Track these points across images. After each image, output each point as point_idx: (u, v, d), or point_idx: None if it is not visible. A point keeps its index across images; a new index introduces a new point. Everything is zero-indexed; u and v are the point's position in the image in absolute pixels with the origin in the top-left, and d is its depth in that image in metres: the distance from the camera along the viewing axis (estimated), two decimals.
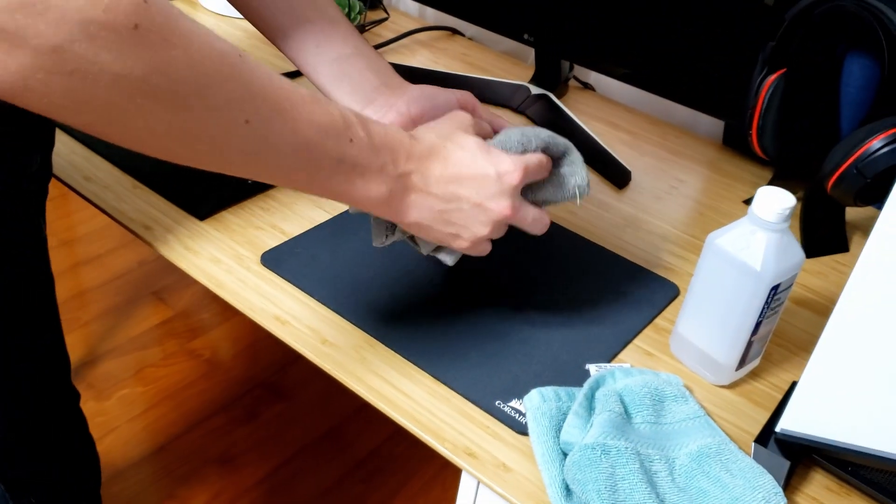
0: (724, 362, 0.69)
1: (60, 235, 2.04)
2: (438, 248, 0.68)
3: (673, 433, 0.65)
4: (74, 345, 1.72)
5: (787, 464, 0.62)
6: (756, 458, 0.63)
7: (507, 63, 1.26)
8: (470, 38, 1.33)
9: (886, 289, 0.54)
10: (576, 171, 0.68)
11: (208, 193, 0.85)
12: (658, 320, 0.78)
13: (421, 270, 0.79)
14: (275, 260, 0.79)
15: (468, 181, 0.61)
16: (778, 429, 0.62)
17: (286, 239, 0.82)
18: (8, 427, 0.75)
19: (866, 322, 0.55)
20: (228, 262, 0.78)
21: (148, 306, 1.87)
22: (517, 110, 1.11)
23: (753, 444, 0.65)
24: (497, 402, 0.67)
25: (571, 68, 1.17)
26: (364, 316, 0.73)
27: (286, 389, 1.69)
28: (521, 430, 0.65)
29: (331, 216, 0.86)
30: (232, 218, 0.84)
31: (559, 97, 1.14)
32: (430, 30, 1.32)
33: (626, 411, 0.64)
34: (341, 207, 0.87)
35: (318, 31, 0.73)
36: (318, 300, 0.75)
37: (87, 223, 2.09)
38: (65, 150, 0.91)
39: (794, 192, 0.95)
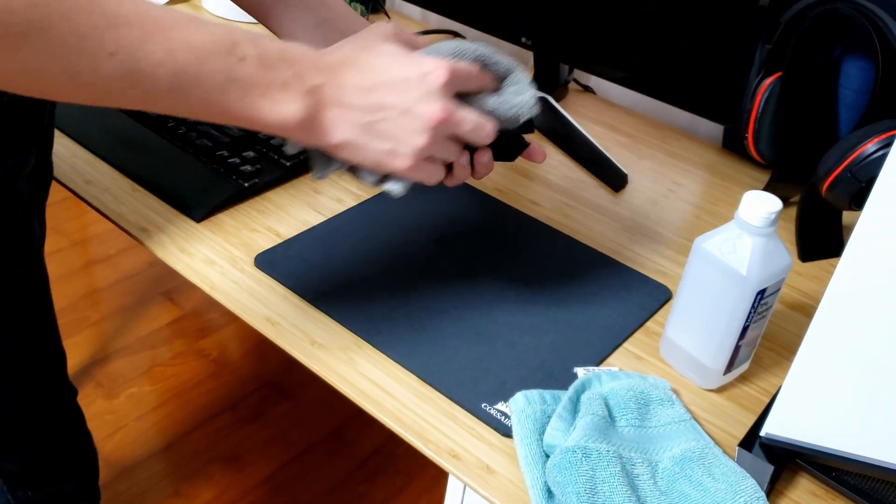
0: (711, 366, 0.69)
1: (73, 236, 2.06)
2: (384, 179, 0.63)
3: (657, 437, 0.65)
4: (85, 343, 1.74)
5: (770, 468, 0.62)
6: (740, 462, 0.63)
7: None
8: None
9: (867, 293, 0.54)
10: (521, 90, 0.63)
11: (205, 196, 0.86)
12: (649, 324, 0.78)
13: (412, 272, 0.80)
14: (268, 262, 0.79)
15: (389, 87, 0.57)
16: (762, 433, 0.62)
17: (280, 241, 0.82)
18: (5, 424, 0.76)
19: (848, 327, 0.55)
20: (222, 263, 0.79)
21: (157, 306, 1.89)
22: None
23: (738, 448, 0.65)
24: (483, 405, 0.67)
25: (571, 71, 1.17)
26: (353, 317, 0.74)
27: (291, 389, 1.71)
28: (507, 432, 0.65)
29: (325, 218, 0.86)
30: (227, 220, 0.85)
31: (559, 100, 1.14)
32: (432, 33, 1.33)
33: (610, 414, 0.65)
34: (336, 209, 0.88)
35: (298, 2, 0.74)
36: (308, 301, 0.75)
37: (99, 223, 2.11)
38: (66, 154, 0.92)
39: (791, 196, 0.96)
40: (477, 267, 0.81)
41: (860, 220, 0.52)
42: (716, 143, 1.11)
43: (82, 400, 0.87)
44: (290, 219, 0.86)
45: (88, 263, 1.99)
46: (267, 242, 0.82)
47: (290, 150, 0.63)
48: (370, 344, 0.71)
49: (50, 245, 2.01)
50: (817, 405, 0.59)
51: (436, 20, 1.38)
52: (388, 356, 0.71)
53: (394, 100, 0.56)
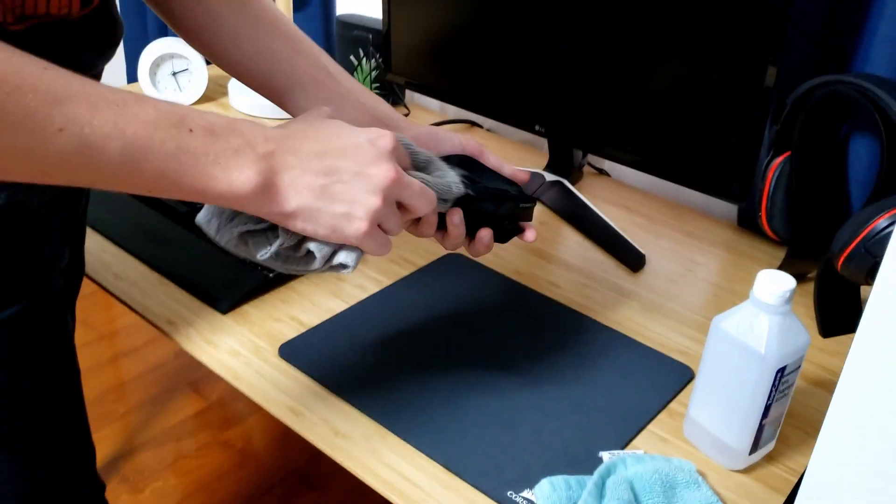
0: (736, 447, 0.69)
1: (101, 329, 2.09)
2: (333, 255, 0.62)
3: None
4: (110, 437, 1.75)
5: None
6: None
7: (524, 151, 1.29)
8: (488, 130, 1.38)
9: (886, 367, 0.54)
10: (446, 173, 0.67)
11: (231, 288, 0.88)
12: (673, 404, 0.78)
13: (433, 357, 0.80)
14: (292, 351, 0.81)
15: (341, 151, 0.59)
16: None
17: (304, 330, 0.84)
18: None
19: (870, 402, 0.55)
20: (247, 354, 0.81)
21: (183, 397, 1.90)
22: (533, 196, 1.14)
23: None
24: (509, 493, 0.67)
25: (585, 155, 1.20)
26: (376, 405, 0.74)
27: (318, 479, 1.69)
28: None
29: (348, 305, 0.88)
30: (252, 311, 0.87)
31: (574, 183, 1.17)
32: (450, 123, 1.37)
33: (636, 499, 0.64)
34: (359, 296, 0.90)
35: (312, 83, 0.78)
36: (331, 391, 0.76)
37: (127, 316, 2.14)
38: (96, 249, 0.95)
39: (808, 272, 0.96)
40: (498, 350, 0.82)
41: (871, 296, 0.53)
42: (731, 222, 1.12)
43: (108, 495, 0.88)
44: (314, 307, 0.88)
45: (116, 356, 2.02)
46: (291, 332, 0.84)
47: (223, 243, 0.64)
48: (393, 433, 0.72)
49: (78, 338, 2.03)
50: (845, 484, 0.59)
51: (453, 111, 1.42)
52: (412, 444, 0.71)
53: (347, 163, 0.58)
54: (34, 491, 0.75)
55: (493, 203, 0.70)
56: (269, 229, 0.62)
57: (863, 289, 0.90)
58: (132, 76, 1.98)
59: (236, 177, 0.55)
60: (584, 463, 0.69)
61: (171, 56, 1.36)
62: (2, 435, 0.70)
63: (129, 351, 2.03)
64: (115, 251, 0.96)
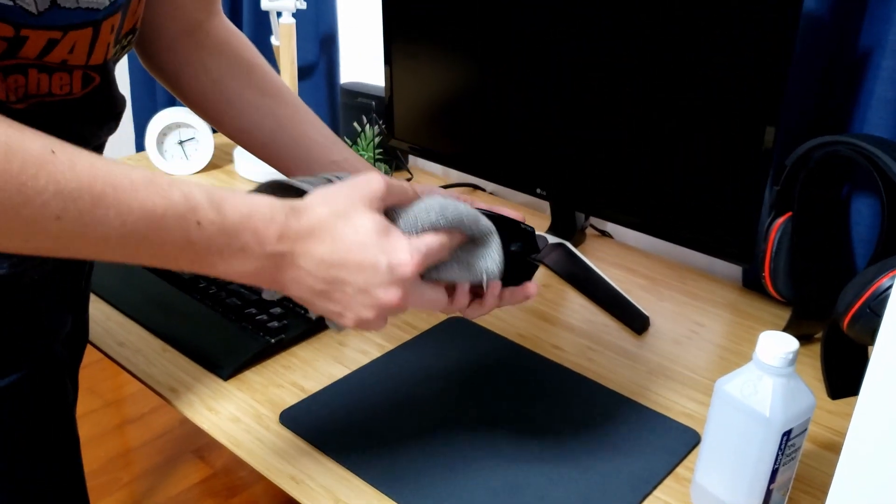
0: None
1: (107, 396, 2.08)
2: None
3: None
4: None
5: None
6: None
7: (526, 214, 1.29)
8: (491, 193, 1.39)
9: (890, 430, 0.53)
10: (488, 253, 0.64)
11: (233, 354, 0.88)
12: (679, 469, 0.76)
13: (436, 422, 0.80)
14: (293, 418, 0.80)
15: (355, 268, 0.56)
16: None
17: (305, 396, 0.83)
18: None
19: (876, 466, 0.54)
20: (248, 421, 0.80)
21: (188, 465, 1.88)
22: (535, 261, 1.14)
23: None
24: None
25: (587, 217, 1.20)
26: (378, 473, 0.73)
27: None
28: None
29: (350, 371, 0.87)
30: (254, 377, 0.86)
31: (577, 245, 1.17)
32: (453, 186, 1.38)
33: None
34: (361, 361, 0.89)
35: (315, 147, 0.80)
36: (333, 458, 0.75)
37: (133, 383, 2.12)
38: (101, 316, 0.96)
39: (815, 332, 0.95)
40: (502, 415, 0.81)
41: (873, 356, 0.52)
42: (735, 282, 1.12)
43: None
44: (316, 373, 0.87)
45: (122, 423, 2.00)
46: (292, 398, 0.83)
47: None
48: (395, 501, 0.71)
49: (84, 406, 2.04)
50: None
51: (456, 175, 1.44)
52: None
53: (356, 279, 0.57)
54: None
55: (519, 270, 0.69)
56: None
57: (870, 349, 0.89)
58: (140, 145, 2.01)
59: (236, 268, 0.55)
60: None
61: (178, 125, 1.39)
62: None
63: (134, 418, 2.02)
64: (119, 318, 0.96)
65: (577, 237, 1.19)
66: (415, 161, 1.49)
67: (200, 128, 1.39)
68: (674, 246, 1.16)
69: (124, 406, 2.06)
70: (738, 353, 0.95)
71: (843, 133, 0.93)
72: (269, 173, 1.36)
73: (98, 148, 0.71)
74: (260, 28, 1.59)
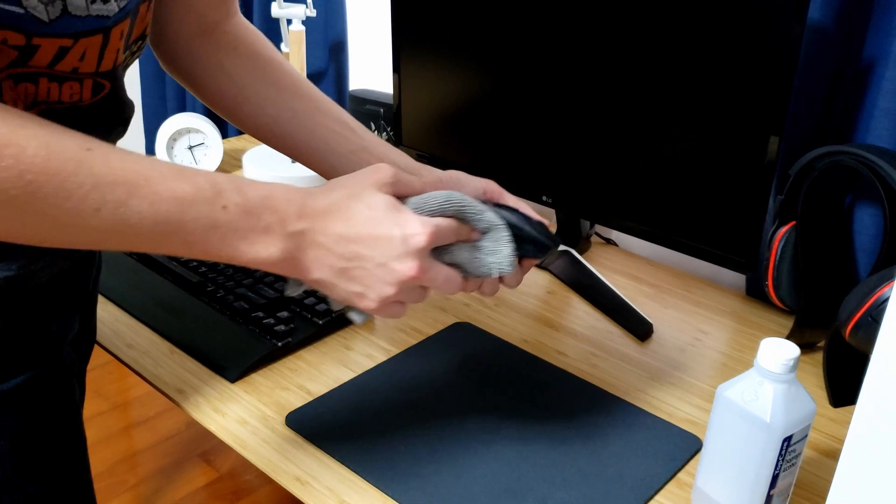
0: None
1: (114, 399, 2.09)
2: (348, 307, 0.66)
3: None
4: None
5: None
6: None
7: None
8: None
9: (888, 438, 0.53)
10: (498, 249, 0.66)
11: (240, 357, 0.89)
12: (680, 475, 0.77)
13: (440, 426, 0.80)
14: (298, 420, 0.81)
15: (371, 241, 0.59)
16: None
17: (311, 399, 0.84)
18: None
19: (874, 474, 0.55)
20: (255, 423, 0.81)
21: (194, 468, 1.89)
22: (541, 266, 1.15)
23: None
24: None
25: (592, 225, 1.21)
26: (382, 475, 0.74)
27: None
28: None
29: (355, 374, 0.88)
30: (261, 380, 0.87)
31: (582, 252, 1.18)
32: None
33: None
34: (366, 365, 0.90)
35: (334, 137, 0.81)
36: (338, 460, 0.76)
37: (139, 386, 2.14)
38: (109, 319, 0.97)
39: (817, 341, 0.96)
40: (505, 419, 0.82)
41: (871, 364, 0.53)
42: (739, 291, 1.13)
43: None
44: (322, 376, 0.88)
45: (128, 426, 2.01)
46: (298, 401, 0.84)
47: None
48: (399, 503, 0.71)
49: (91, 409, 2.05)
50: None
51: None
52: None
53: (373, 253, 0.59)
54: None
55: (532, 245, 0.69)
56: None
57: None
58: (150, 150, 2.03)
59: (262, 250, 0.58)
60: None
61: (188, 131, 1.40)
62: None
63: (141, 421, 2.03)
64: (128, 320, 0.97)
65: (583, 245, 1.19)
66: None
67: (210, 133, 1.40)
68: (678, 254, 1.17)
69: (131, 409, 2.08)
70: (740, 361, 0.96)
71: (846, 143, 0.93)
72: (277, 178, 1.37)
73: None
74: (270, 35, 1.60)
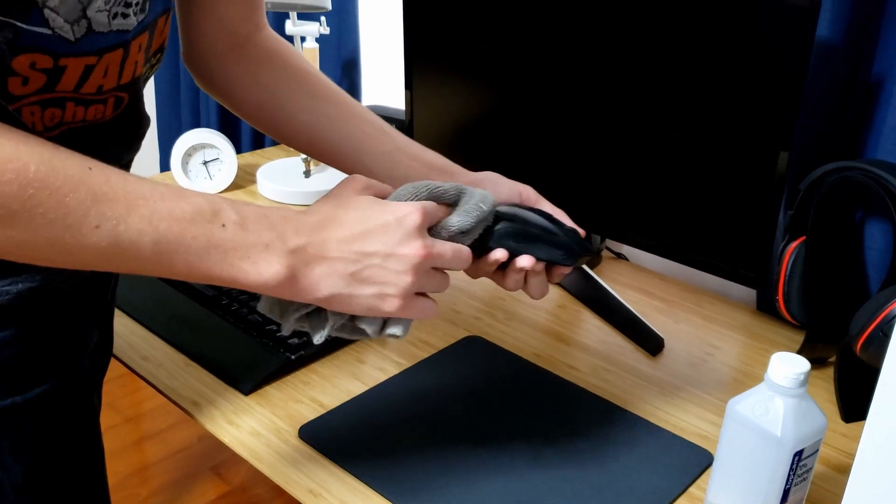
0: None
1: (127, 412, 2.10)
2: (384, 326, 0.65)
3: None
4: None
5: None
6: None
7: None
8: None
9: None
10: (470, 200, 0.66)
11: (254, 369, 0.90)
12: (692, 489, 0.77)
13: (452, 439, 0.81)
14: (311, 433, 0.82)
15: (370, 235, 0.60)
16: None
17: (324, 412, 0.85)
18: None
19: (884, 489, 0.55)
20: (268, 435, 0.82)
21: (205, 481, 1.89)
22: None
23: None
24: None
25: (603, 240, 1.22)
26: (395, 488, 0.75)
27: None
28: None
29: (368, 388, 0.89)
30: (274, 392, 0.88)
31: (593, 267, 1.18)
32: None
33: None
34: (378, 378, 0.91)
35: (368, 139, 0.81)
36: (350, 473, 0.77)
37: (152, 399, 2.16)
38: (125, 331, 0.98)
39: (828, 356, 0.96)
40: (517, 432, 0.83)
41: (880, 379, 0.53)
42: (750, 306, 1.13)
43: None
44: (335, 389, 0.89)
45: (140, 439, 2.02)
46: (311, 413, 0.85)
47: (317, 340, 0.65)
48: None
49: (104, 421, 2.06)
50: None
51: None
52: None
53: (376, 246, 0.60)
54: None
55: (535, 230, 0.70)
56: (321, 309, 0.64)
57: None
58: (165, 165, 2.05)
59: (265, 270, 0.58)
60: None
61: (203, 146, 1.42)
62: None
63: (153, 434, 2.04)
64: (143, 333, 0.98)
65: (593, 259, 1.20)
66: None
67: (224, 149, 1.42)
68: (689, 269, 1.17)
69: (143, 422, 2.09)
70: (751, 376, 0.96)
71: (856, 159, 0.94)
72: (290, 193, 1.38)
73: (125, 167, 0.74)
74: None
